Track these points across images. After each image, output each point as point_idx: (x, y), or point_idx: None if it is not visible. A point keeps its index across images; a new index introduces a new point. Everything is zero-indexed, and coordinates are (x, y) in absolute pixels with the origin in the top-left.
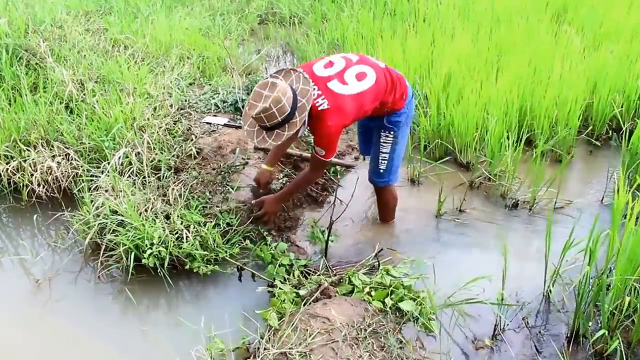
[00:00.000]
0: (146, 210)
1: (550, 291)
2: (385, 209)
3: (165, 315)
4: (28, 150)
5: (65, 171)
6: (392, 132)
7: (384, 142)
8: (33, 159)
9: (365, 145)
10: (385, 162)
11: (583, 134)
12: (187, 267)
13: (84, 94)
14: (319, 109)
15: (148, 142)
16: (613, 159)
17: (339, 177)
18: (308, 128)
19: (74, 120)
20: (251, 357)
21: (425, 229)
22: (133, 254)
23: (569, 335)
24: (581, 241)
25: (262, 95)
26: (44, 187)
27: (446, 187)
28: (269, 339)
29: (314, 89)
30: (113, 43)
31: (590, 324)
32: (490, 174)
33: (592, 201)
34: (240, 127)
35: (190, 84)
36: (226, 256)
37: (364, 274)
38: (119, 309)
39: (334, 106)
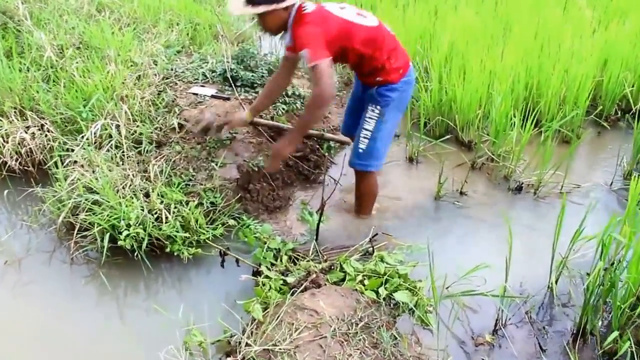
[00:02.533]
0: (124, 188)
1: (555, 283)
2: (361, 200)
3: (141, 301)
4: (0, 120)
5: (40, 143)
6: (378, 107)
7: (369, 118)
8: (5, 130)
9: (349, 119)
10: (367, 140)
11: (591, 115)
12: (167, 250)
13: (63, 61)
14: (303, 12)
15: (129, 114)
16: (623, 142)
17: (332, 153)
18: (290, 35)
19: (50, 88)
20: (232, 353)
21: (423, 212)
22: (109, 234)
23: (575, 331)
24: (592, 237)
25: None
26: (16, 159)
27: (446, 167)
28: (252, 332)
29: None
30: (98, 7)
31: (598, 320)
32: (493, 154)
33: (601, 185)
34: (228, 99)
35: (178, 52)
36: (209, 238)
37: (357, 260)
38: (93, 294)
39: (317, 11)
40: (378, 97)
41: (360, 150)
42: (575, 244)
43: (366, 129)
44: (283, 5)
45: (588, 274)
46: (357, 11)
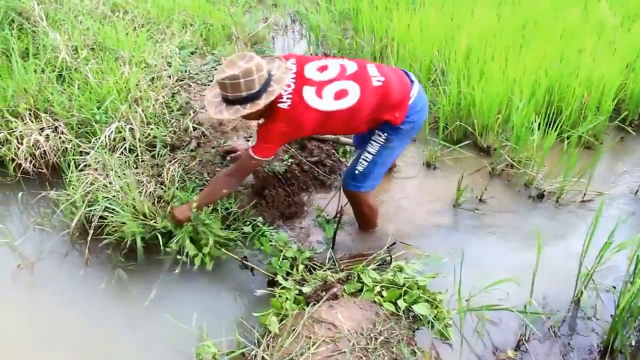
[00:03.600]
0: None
1: (581, 297)
2: (362, 218)
3: (154, 310)
4: (15, 121)
5: (54, 145)
6: (385, 134)
7: (374, 141)
8: (20, 131)
9: (358, 138)
10: (366, 163)
11: (614, 120)
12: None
13: (78, 62)
14: (279, 105)
15: (143, 116)
16: None
17: (348, 158)
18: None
19: (65, 90)
20: None
21: (442, 220)
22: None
23: (602, 348)
24: (621, 248)
25: (236, 64)
26: (31, 161)
27: (465, 173)
28: (268, 345)
29: (290, 84)
30: (113, 7)
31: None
32: (513, 161)
33: (625, 193)
34: None
35: (191, 53)
36: (230, 246)
37: (374, 269)
38: (105, 301)
39: (293, 111)
40: (386, 128)
41: (357, 172)
42: (602, 256)
43: (368, 152)
44: (262, 104)
45: (614, 287)
46: (337, 88)
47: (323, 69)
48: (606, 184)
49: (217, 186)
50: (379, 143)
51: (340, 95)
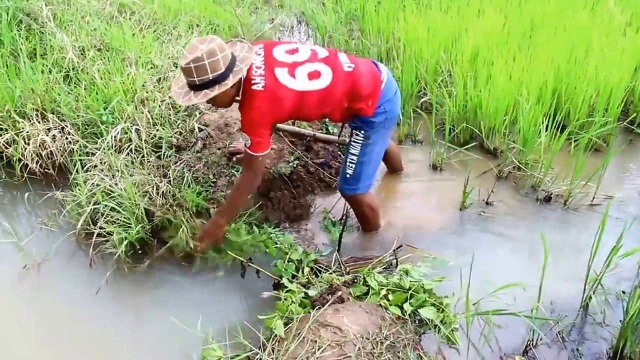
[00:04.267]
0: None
1: (589, 302)
2: (363, 219)
3: (158, 312)
4: (22, 122)
5: (61, 146)
6: (362, 132)
7: (354, 142)
8: (27, 132)
9: None
10: (353, 165)
11: (622, 121)
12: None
13: (85, 63)
14: (252, 87)
15: (149, 117)
16: None
17: None
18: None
19: (72, 90)
20: None
21: (448, 223)
22: (128, 242)
23: (611, 354)
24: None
25: (197, 47)
26: (37, 162)
27: (471, 175)
28: (273, 349)
29: (260, 66)
30: (120, 8)
31: (638, 343)
32: (520, 163)
33: (635, 197)
34: None
35: None
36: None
37: (380, 272)
38: (110, 302)
39: (268, 90)
40: (360, 124)
41: (348, 175)
42: (611, 260)
43: (352, 154)
44: (231, 83)
45: (623, 292)
46: (310, 69)
47: (293, 51)
48: (615, 187)
49: (238, 195)
50: (358, 142)
51: (313, 75)
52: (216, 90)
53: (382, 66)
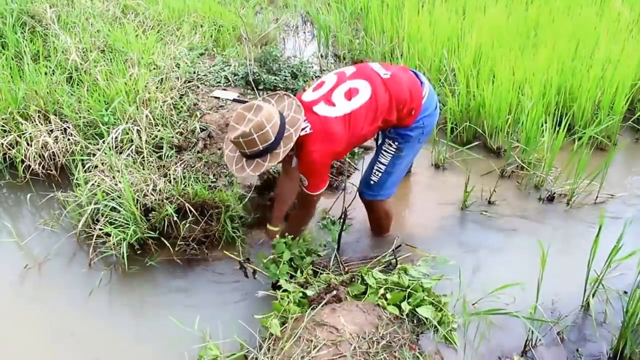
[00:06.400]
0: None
1: (590, 302)
2: (377, 224)
3: (156, 312)
4: (25, 123)
5: (63, 147)
6: (396, 143)
7: (385, 152)
8: (30, 134)
9: None
10: (380, 174)
11: (627, 120)
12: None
13: (87, 64)
14: (302, 134)
15: (150, 118)
16: None
17: (356, 159)
18: (295, 157)
19: (74, 92)
20: None
21: (449, 222)
22: (125, 243)
23: (611, 355)
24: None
25: (245, 118)
26: (40, 163)
27: (474, 174)
28: (269, 348)
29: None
30: (124, 10)
31: (638, 344)
32: (523, 162)
33: (638, 196)
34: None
35: (201, 55)
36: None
37: (380, 271)
38: (109, 303)
39: (318, 130)
40: (396, 135)
41: (372, 182)
42: (612, 260)
43: (381, 162)
44: (282, 154)
45: (625, 292)
46: (345, 89)
47: (320, 85)
48: (619, 186)
49: (292, 230)
50: (390, 153)
51: (350, 94)
52: (268, 162)
53: (423, 77)
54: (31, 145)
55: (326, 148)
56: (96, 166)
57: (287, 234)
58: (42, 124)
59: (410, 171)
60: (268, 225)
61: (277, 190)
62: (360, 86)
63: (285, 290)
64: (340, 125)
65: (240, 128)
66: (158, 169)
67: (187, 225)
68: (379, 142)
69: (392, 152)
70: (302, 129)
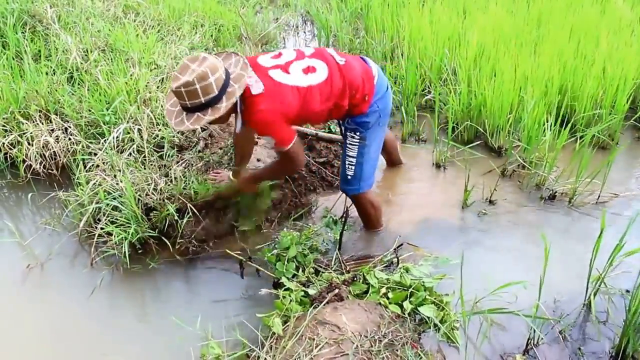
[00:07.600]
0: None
1: (592, 300)
2: (366, 218)
3: (158, 311)
4: (26, 123)
5: (64, 146)
6: (358, 133)
7: (350, 145)
8: (31, 133)
9: None
10: (353, 167)
11: (629, 118)
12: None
13: (88, 64)
14: (252, 92)
15: (151, 117)
16: None
17: None
18: (243, 120)
19: (75, 91)
20: None
21: (450, 221)
22: (126, 242)
23: (613, 354)
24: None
25: (189, 68)
26: (41, 163)
27: (474, 174)
28: (271, 347)
29: (252, 75)
30: (124, 9)
31: (639, 342)
32: (524, 161)
33: None
34: None
35: None
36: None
37: (381, 270)
38: (111, 302)
39: (269, 92)
40: (355, 126)
41: (349, 177)
42: (614, 259)
43: (350, 156)
44: (224, 109)
45: (627, 291)
46: (303, 65)
47: (278, 55)
48: (622, 185)
49: (277, 172)
50: (355, 145)
51: (308, 70)
52: (209, 115)
53: (371, 62)
54: (32, 145)
55: (274, 107)
56: (97, 165)
57: (263, 174)
58: (43, 124)
59: (402, 162)
60: (230, 176)
61: (235, 149)
62: (318, 66)
63: (287, 289)
64: (294, 95)
65: (183, 78)
66: (159, 168)
67: (188, 222)
68: (343, 137)
69: (357, 143)
70: (254, 89)
